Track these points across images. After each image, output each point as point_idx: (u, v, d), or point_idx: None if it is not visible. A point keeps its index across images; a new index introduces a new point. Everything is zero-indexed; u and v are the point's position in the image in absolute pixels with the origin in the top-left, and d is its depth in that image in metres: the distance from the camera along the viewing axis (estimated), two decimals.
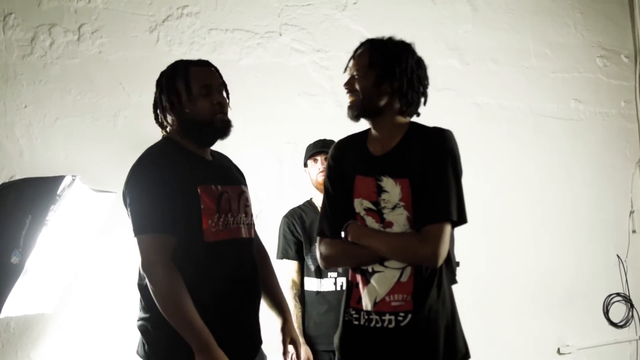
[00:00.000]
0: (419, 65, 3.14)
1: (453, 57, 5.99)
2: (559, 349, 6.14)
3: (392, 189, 2.98)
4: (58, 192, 3.81)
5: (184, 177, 3.06)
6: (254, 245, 3.38)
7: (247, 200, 3.33)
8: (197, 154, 3.22)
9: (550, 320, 6.10)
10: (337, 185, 3.13)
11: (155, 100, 3.26)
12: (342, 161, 3.16)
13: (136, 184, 3.08)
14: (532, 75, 6.33)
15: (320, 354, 4.36)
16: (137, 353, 3.21)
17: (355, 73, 3.07)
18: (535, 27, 6.39)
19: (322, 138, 4.52)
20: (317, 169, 4.46)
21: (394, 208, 2.98)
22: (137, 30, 4.82)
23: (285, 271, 4.43)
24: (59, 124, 4.51)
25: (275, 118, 5.12)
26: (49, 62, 4.53)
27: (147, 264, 2.98)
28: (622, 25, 6.86)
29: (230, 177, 3.31)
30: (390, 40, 3.13)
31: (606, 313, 6.33)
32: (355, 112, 3.06)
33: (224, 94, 3.27)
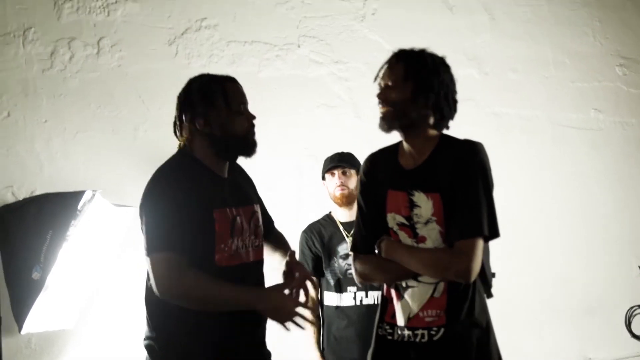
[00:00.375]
0: (452, 80, 3.13)
1: (471, 67, 5.96)
2: None
3: (424, 204, 2.96)
4: (79, 207, 3.82)
5: (201, 199, 3.00)
6: (262, 266, 3.32)
7: (258, 220, 3.28)
8: (214, 171, 3.16)
9: (572, 333, 6.06)
10: (369, 200, 3.11)
11: (180, 113, 3.19)
12: (374, 175, 3.14)
13: (151, 203, 3.02)
14: (551, 84, 6.29)
15: None
16: None
17: (390, 83, 3.02)
18: (554, 37, 6.35)
19: (340, 151, 4.49)
20: (335, 183, 4.42)
21: (426, 223, 2.96)
22: (156, 43, 4.81)
23: None
24: (79, 137, 4.50)
25: (295, 130, 5.10)
26: (68, 75, 4.53)
27: (165, 284, 2.91)
28: None
29: (243, 197, 3.24)
30: (425, 52, 3.10)
31: (628, 325, 6.26)
32: (388, 124, 3.02)
33: None
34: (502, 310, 5.60)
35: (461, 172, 2.92)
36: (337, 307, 4.34)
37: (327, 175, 4.48)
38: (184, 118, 3.14)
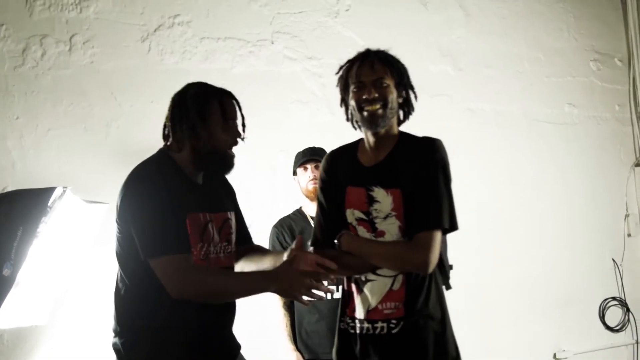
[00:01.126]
0: None
1: (446, 63, 5.98)
2: (555, 354, 6.13)
3: (383, 199, 3.02)
4: (49, 203, 3.80)
5: (176, 202, 3.03)
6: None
7: (230, 227, 3.32)
8: (189, 176, 3.20)
9: (546, 325, 6.09)
10: (329, 196, 3.17)
11: (171, 115, 3.19)
12: (334, 172, 3.19)
13: (139, 207, 3.03)
14: (526, 80, 6.33)
15: None
16: None
17: (377, 81, 3.05)
18: (529, 32, 6.39)
19: (312, 146, 4.51)
20: (307, 177, 4.44)
21: (385, 217, 3.02)
22: (129, 40, 4.81)
23: None
24: (51, 134, 4.50)
25: (268, 126, 5.09)
26: (40, 72, 4.52)
27: (176, 286, 2.95)
28: (615, 29, 6.86)
29: (217, 203, 3.28)
30: (387, 52, 3.17)
31: (602, 317, 6.32)
32: (384, 122, 3.07)
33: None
34: (476, 303, 5.68)
35: (422, 168, 3.00)
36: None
37: (299, 170, 4.49)
38: (173, 121, 3.17)
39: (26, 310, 4.07)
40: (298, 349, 4.36)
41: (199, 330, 3.10)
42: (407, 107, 3.17)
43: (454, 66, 6.01)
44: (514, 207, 6.11)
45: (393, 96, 3.05)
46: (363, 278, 3.08)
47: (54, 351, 4.36)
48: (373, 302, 3.05)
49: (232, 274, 3.15)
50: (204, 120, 3.12)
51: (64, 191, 3.88)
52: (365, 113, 3.05)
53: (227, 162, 3.21)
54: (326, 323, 4.24)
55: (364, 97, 3.04)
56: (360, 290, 3.09)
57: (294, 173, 4.55)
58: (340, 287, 4.19)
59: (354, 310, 3.12)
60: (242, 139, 3.23)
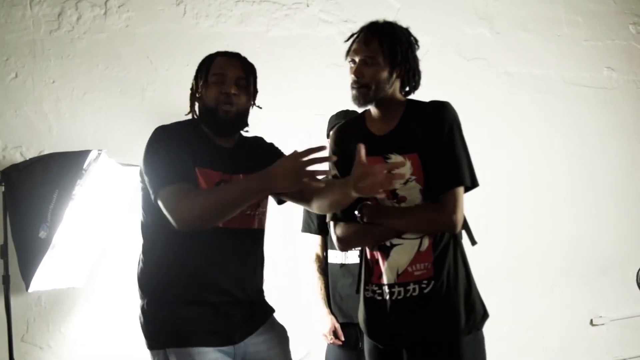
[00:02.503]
0: (416, 47, 3.18)
1: (483, 26, 5.91)
2: (592, 320, 6.11)
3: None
4: (84, 166, 3.84)
5: (184, 149, 3.03)
6: (253, 235, 3.27)
7: None
8: (212, 139, 3.19)
9: (582, 291, 6.07)
10: (343, 168, 3.11)
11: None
12: (346, 144, 3.16)
13: (148, 150, 3.07)
14: (564, 43, 6.25)
15: (347, 327, 4.34)
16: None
17: (367, 59, 3.04)
18: None
19: (345, 109, 4.48)
20: None
21: (406, 183, 3.02)
22: (164, 3, 4.80)
23: (308, 244, 4.42)
24: (86, 98, 4.52)
25: (304, 90, 5.09)
26: (76, 37, 4.53)
27: (178, 213, 2.90)
28: None
29: (242, 166, 3.20)
30: (394, 25, 3.14)
31: (639, 284, 6.27)
32: (364, 100, 3.07)
33: (247, 89, 3.19)
34: (513, 268, 5.66)
35: (437, 130, 3.01)
36: (342, 265, 4.32)
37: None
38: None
39: (63, 273, 4.12)
40: (332, 313, 4.36)
41: (220, 295, 3.09)
42: (411, 80, 3.13)
43: (491, 29, 5.94)
44: (551, 173, 6.06)
45: (381, 75, 3.02)
46: (388, 244, 3.07)
47: (91, 313, 4.41)
48: (402, 265, 3.05)
49: (226, 185, 3.05)
50: (197, 81, 3.18)
51: (99, 154, 3.90)
52: (353, 91, 3.08)
53: (218, 120, 3.13)
54: None
55: (352, 75, 3.08)
56: (386, 256, 3.09)
57: (328, 136, 4.53)
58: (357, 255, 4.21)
59: (379, 276, 3.12)
60: (234, 95, 3.12)
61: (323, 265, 4.41)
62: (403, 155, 3.02)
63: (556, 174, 6.07)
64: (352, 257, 4.28)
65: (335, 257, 4.35)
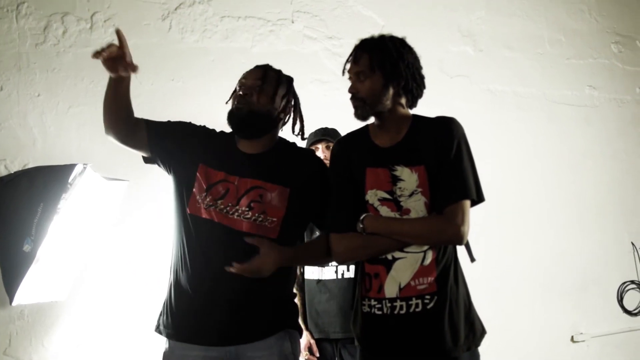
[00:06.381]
0: (415, 58, 3.19)
1: (466, 44, 5.96)
2: (572, 337, 6.12)
3: (408, 177, 3.03)
4: (69, 180, 3.84)
5: (199, 151, 3.23)
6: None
7: (260, 197, 3.19)
8: (236, 145, 3.29)
9: (564, 308, 6.08)
10: (345, 180, 3.14)
11: None
12: (348, 156, 3.19)
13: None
14: (546, 61, 6.30)
15: (323, 343, 4.35)
16: None
17: (359, 76, 3.09)
18: (549, 13, 6.36)
19: (324, 126, 4.51)
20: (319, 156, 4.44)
21: (411, 195, 3.03)
22: (150, 18, 4.82)
23: None
24: (72, 112, 4.52)
25: None
26: (61, 50, 4.54)
27: None
28: (636, 11, 6.81)
29: (257, 172, 3.21)
30: (385, 37, 3.16)
31: (620, 301, 6.30)
32: (363, 115, 3.12)
33: (264, 92, 3.26)
34: (494, 284, 5.67)
35: (445, 143, 3.03)
36: (319, 281, 4.33)
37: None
38: None
39: (46, 286, 4.10)
40: (308, 329, 4.36)
41: (190, 291, 3.15)
42: (410, 89, 3.14)
43: (474, 47, 5.99)
44: (532, 189, 6.09)
45: (375, 88, 3.06)
46: (390, 257, 3.05)
47: (73, 327, 4.39)
48: (405, 279, 3.02)
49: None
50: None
51: (85, 168, 3.91)
52: (353, 107, 3.13)
53: (232, 117, 3.25)
54: (336, 302, 4.23)
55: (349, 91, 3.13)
56: (388, 269, 3.06)
57: None
58: (351, 268, 4.21)
59: (379, 290, 3.08)
60: (246, 95, 3.23)
61: (300, 281, 4.42)
62: (410, 167, 3.04)
63: (538, 191, 6.11)
64: (328, 273, 4.30)
65: (312, 273, 4.37)
